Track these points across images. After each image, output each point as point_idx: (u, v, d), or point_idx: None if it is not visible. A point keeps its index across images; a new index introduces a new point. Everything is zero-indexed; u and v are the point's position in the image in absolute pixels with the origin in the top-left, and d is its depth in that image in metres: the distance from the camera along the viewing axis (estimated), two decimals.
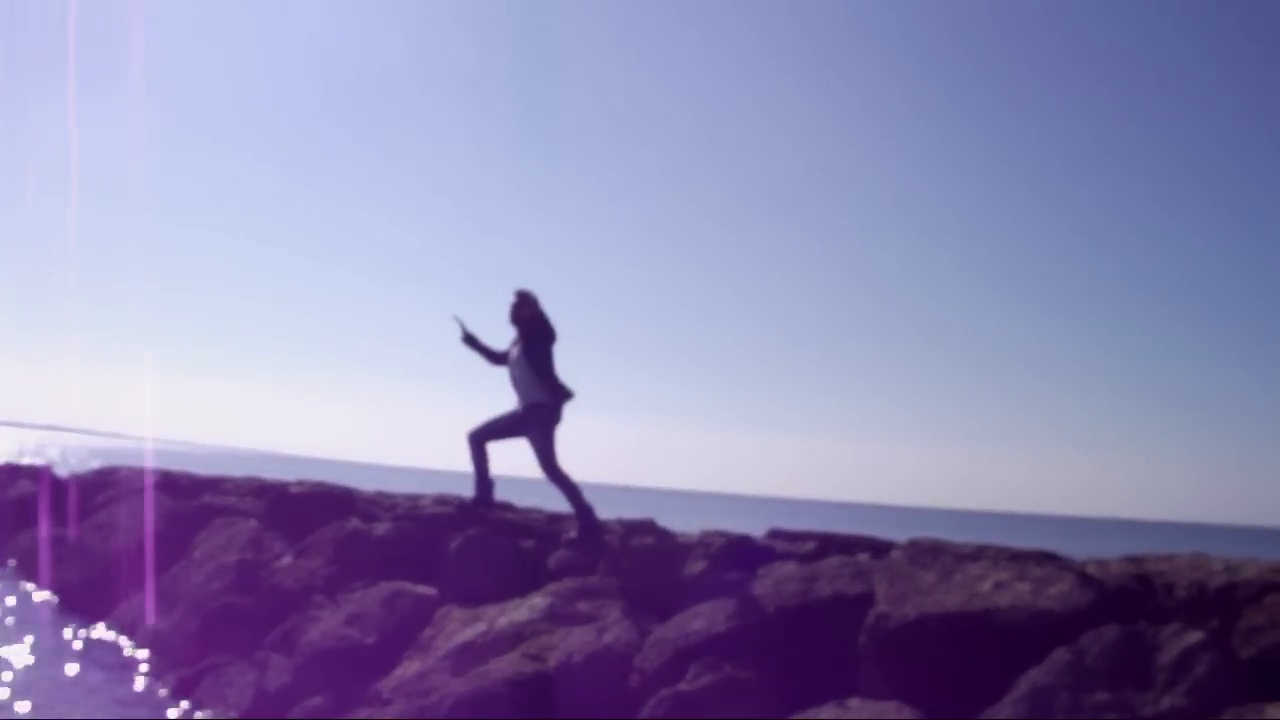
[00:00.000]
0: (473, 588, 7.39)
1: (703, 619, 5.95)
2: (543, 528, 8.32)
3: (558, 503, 8.45)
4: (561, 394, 7.98)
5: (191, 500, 11.95)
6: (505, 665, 6.24)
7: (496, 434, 8.24)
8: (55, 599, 11.50)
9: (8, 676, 8.04)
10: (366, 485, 12.41)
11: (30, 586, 12.20)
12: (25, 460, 21.66)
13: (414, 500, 10.00)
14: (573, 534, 7.88)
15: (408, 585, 7.72)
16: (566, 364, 8.05)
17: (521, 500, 9.48)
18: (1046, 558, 5.60)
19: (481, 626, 6.77)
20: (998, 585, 5.24)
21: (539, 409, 7.99)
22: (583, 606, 6.66)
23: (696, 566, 6.58)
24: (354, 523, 8.86)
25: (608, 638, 6.23)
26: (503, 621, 6.72)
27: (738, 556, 6.57)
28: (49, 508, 14.24)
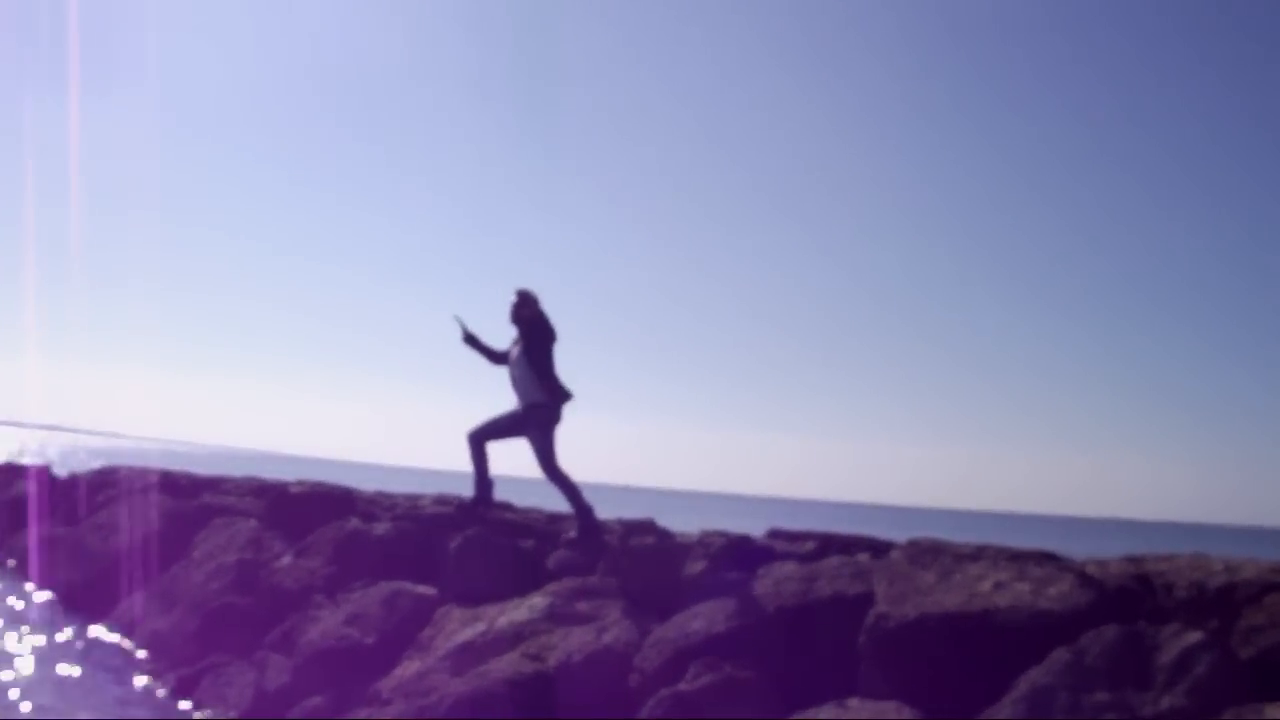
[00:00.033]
0: (472, 588, 7.39)
1: (702, 619, 5.95)
2: (542, 528, 8.32)
3: (557, 503, 8.45)
4: (560, 394, 7.98)
5: (191, 500, 11.95)
6: (505, 665, 6.24)
7: (496, 434, 8.24)
8: (55, 599, 11.50)
9: (8, 676, 8.05)
10: (366, 485, 12.40)
11: (30, 586, 12.19)
12: (25, 460, 21.64)
13: (414, 500, 10.00)
14: (572, 534, 7.88)
15: (407, 585, 7.72)
16: (566, 364, 8.06)
17: (521, 500, 9.47)
18: (1046, 558, 5.60)
19: (481, 626, 6.77)
20: (997, 585, 5.24)
21: (539, 409, 7.98)
22: (582, 606, 6.66)
23: (696, 566, 6.58)
24: (354, 523, 8.86)
25: (607, 638, 6.23)
26: (502, 621, 6.72)
27: (737, 556, 6.57)
28: (48, 507, 14.25)
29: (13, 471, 17.93)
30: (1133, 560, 5.57)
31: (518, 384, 8.08)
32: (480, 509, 8.48)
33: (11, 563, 13.70)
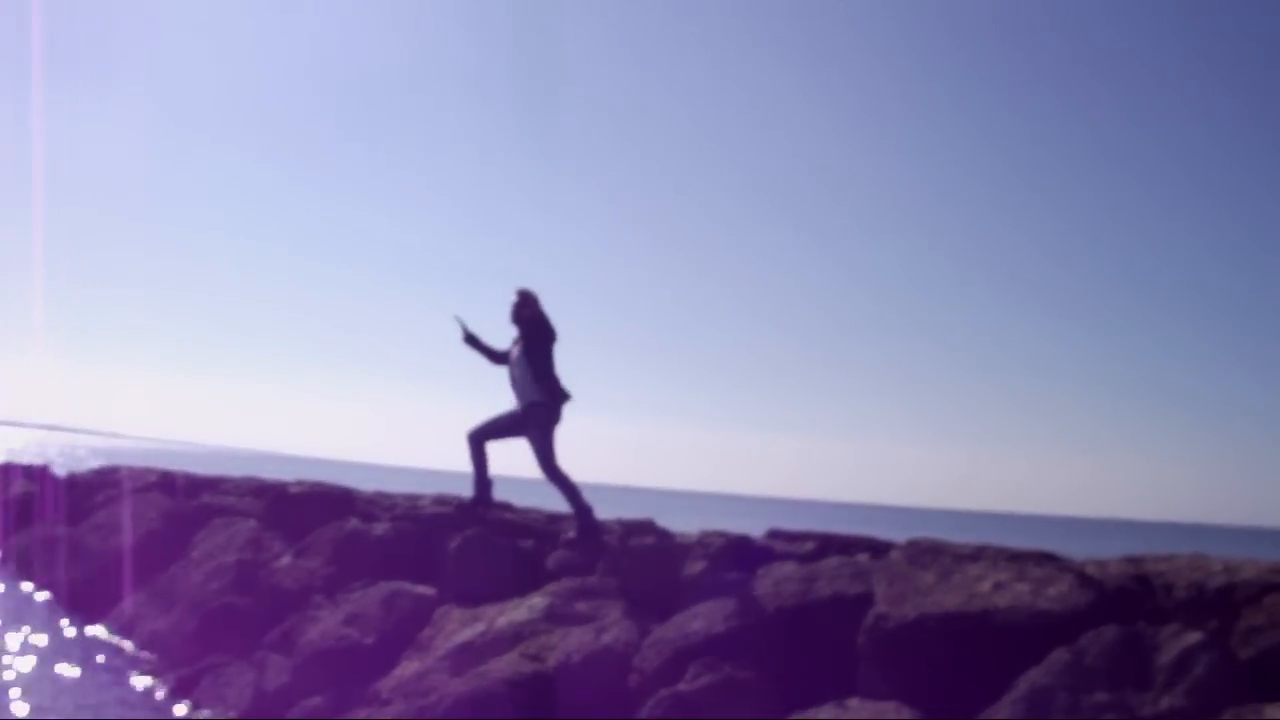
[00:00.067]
0: (472, 588, 7.38)
1: (702, 619, 5.95)
2: (542, 528, 8.32)
3: (556, 503, 8.45)
4: (559, 395, 7.97)
5: (190, 500, 11.95)
6: (504, 665, 6.24)
7: (496, 434, 8.24)
8: (54, 598, 11.50)
9: (7, 676, 8.04)
10: (366, 485, 12.40)
11: (29, 586, 12.19)
12: (25, 460, 21.64)
13: (413, 500, 10.00)
14: (572, 534, 7.88)
15: (407, 585, 7.72)
16: (566, 364, 8.06)
17: (520, 500, 9.47)
18: (1045, 558, 5.60)
19: (480, 627, 6.77)
20: (997, 586, 5.24)
21: (538, 409, 7.98)
22: (582, 607, 6.66)
23: (696, 567, 6.58)
24: (353, 523, 8.86)
25: (607, 638, 6.23)
26: (502, 622, 6.72)
27: (737, 557, 6.57)
28: (48, 507, 14.25)
29: (12, 471, 17.94)
30: (1132, 560, 5.57)
31: (517, 384, 8.08)
32: (480, 509, 8.48)
33: (11, 562, 13.70)
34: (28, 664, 8.52)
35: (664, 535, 7.45)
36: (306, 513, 9.67)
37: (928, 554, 5.73)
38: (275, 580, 8.75)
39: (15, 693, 7.56)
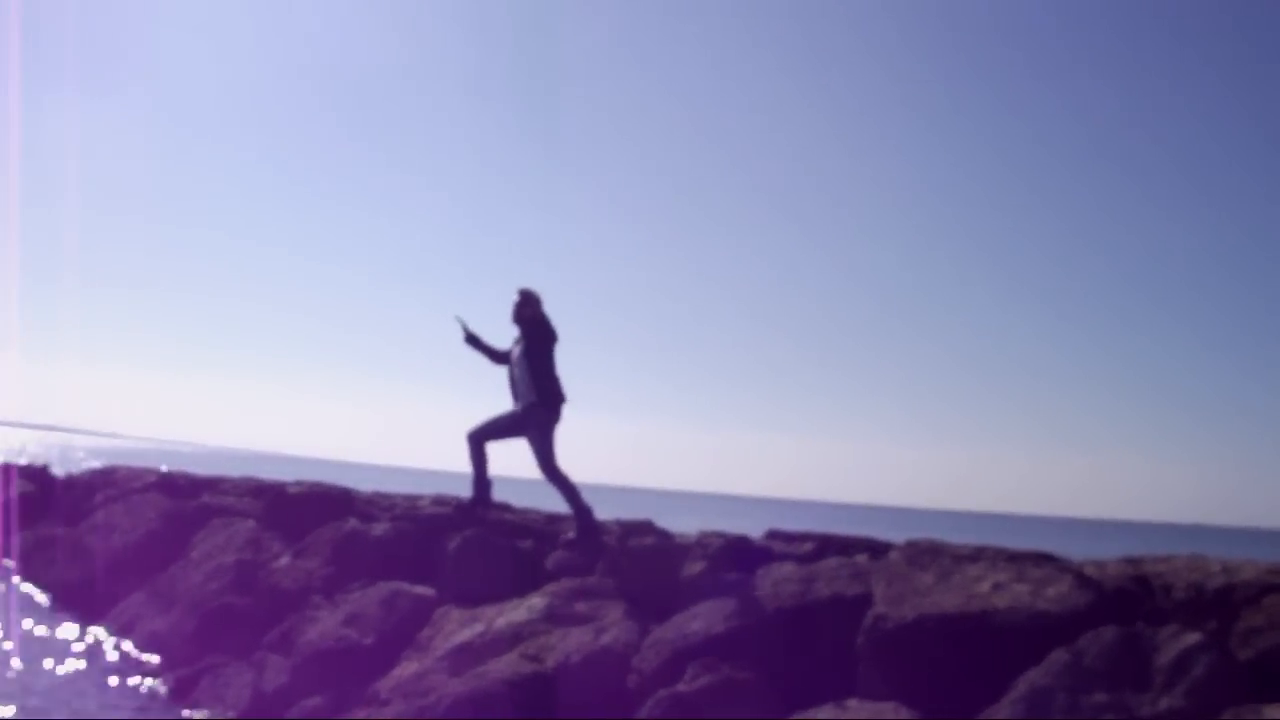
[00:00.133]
0: (471, 588, 7.38)
1: (701, 620, 5.95)
2: (541, 528, 8.31)
3: (556, 503, 8.45)
4: (553, 398, 7.95)
5: (190, 500, 11.94)
6: (503, 666, 6.24)
7: (496, 434, 8.24)
8: (53, 599, 11.49)
9: (6, 677, 8.04)
10: (365, 485, 12.40)
11: (28, 587, 12.18)
12: (24, 460, 21.62)
13: (412, 500, 9.99)
14: (571, 534, 7.88)
15: (406, 586, 7.72)
16: (567, 364, 8.06)
17: (519, 501, 9.47)
18: (1044, 559, 5.60)
19: (479, 627, 6.77)
20: (996, 586, 5.24)
21: (537, 409, 7.98)
22: (581, 607, 6.66)
23: (695, 567, 6.58)
24: (352, 523, 8.85)
25: (606, 638, 6.23)
26: (501, 622, 6.72)
27: (736, 557, 6.57)
28: (47, 507, 14.23)
29: (12, 472, 17.92)
30: (1131, 561, 5.57)
31: (517, 384, 8.08)
32: (479, 509, 8.48)
33: (10, 563, 13.68)
34: (27, 664, 8.52)
35: (663, 536, 7.45)
36: (305, 513, 9.67)
37: (927, 555, 5.73)
38: (274, 580, 8.75)
39: (14, 693, 7.55)
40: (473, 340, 8.46)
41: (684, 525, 8.84)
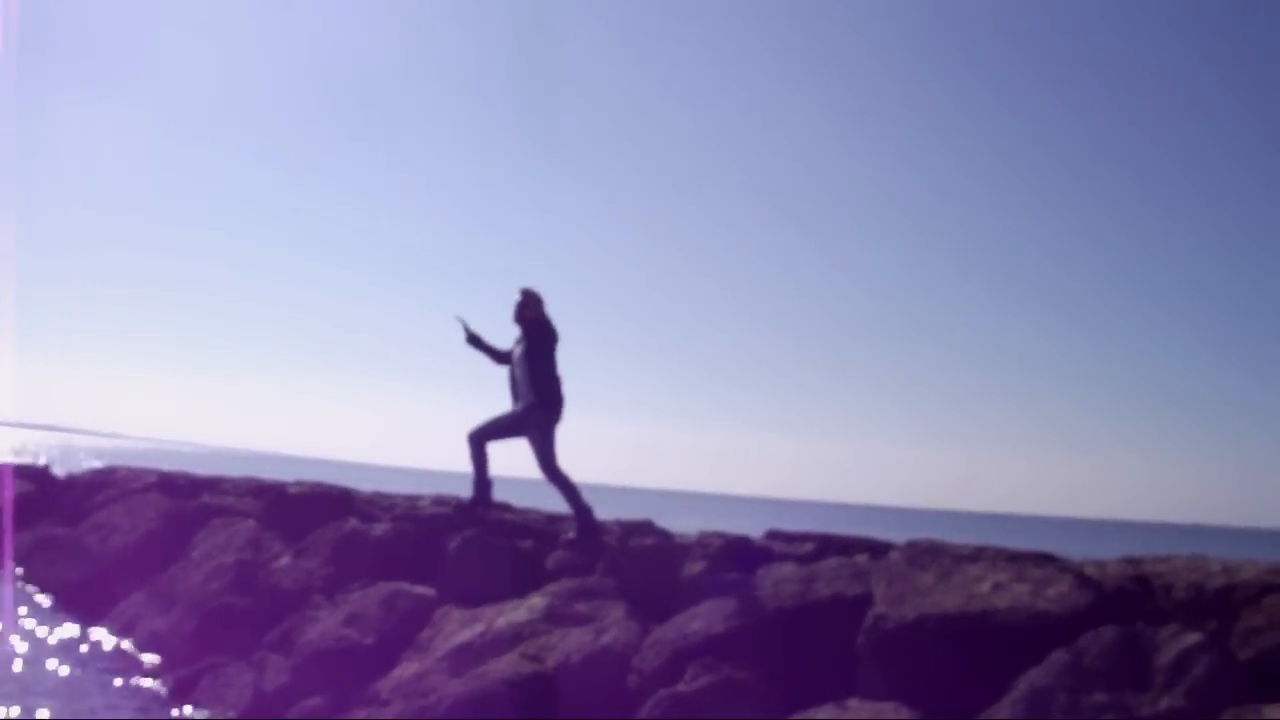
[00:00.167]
0: (471, 588, 7.38)
1: (701, 620, 5.95)
2: (541, 528, 8.32)
3: (556, 503, 8.45)
4: (554, 399, 7.94)
5: (190, 500, 11.94)
6: (503, 666, 6.24)
7: (496, 434, 8.24)
8: (54, 599, 11.48)
9: (7, 677, 8.04)
10: (365, 485, 12.40)
11: (28, 587, 12.18)
12: (24, 460, 21.62)
13: (412, 501, 10.00)
14: (571, 534, 7.88)
15: (406, 586, 7.72)
16: (567, 364, 8.06)
17: (520, 501, 9.47)
18: (1045, 559, 5.60)
19: (480, 627, 6.77)
20: (996, 586, 5.24)
21: (538, 410, 7.98)
22: (581, 607, 6.66)
23: (695, 567, 6.58)
24: (352, 523, 8.86)
25: (606, 638, 6.23)
26: (501, 622, 6.72)
27: (736, 557, 6.57)
28: (47, 508, 14.23)
29: (12, 472, 17.92)
30: (1131, 561, 5.58)
31: (518, 384, 8.08)
32: (479, 509, 8.48)
33: (10, 563, 13.68)
34: (28, 665, 8.52)
35: (663, 536, 7.45)
36: (306, 513, 9.67)
37: (927, 555, 5.74)
38: (274, 580, 8.75)
39: (15, 693, 7.55)
40: (474, 340, 8.47)
41: (684, 525, 8.85)
